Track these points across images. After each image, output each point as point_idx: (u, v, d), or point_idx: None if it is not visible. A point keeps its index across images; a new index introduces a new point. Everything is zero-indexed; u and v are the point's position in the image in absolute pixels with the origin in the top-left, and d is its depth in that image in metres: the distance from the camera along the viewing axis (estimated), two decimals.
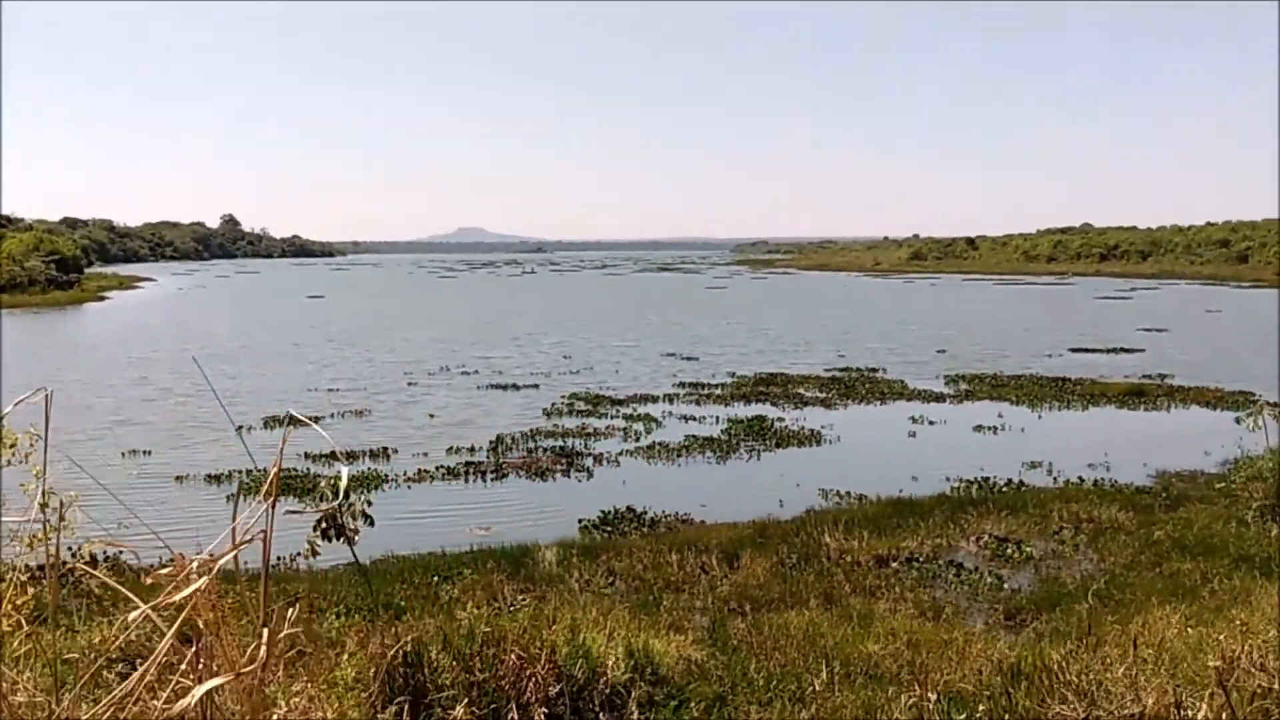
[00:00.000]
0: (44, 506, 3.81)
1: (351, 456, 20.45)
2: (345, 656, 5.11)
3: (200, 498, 17.37)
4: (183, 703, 3.42)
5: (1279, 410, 15.60)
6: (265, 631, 3.66)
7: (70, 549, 4.31)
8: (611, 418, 24.99)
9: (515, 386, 30.83)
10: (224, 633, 3.83)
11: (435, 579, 11.74)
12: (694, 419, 24.87)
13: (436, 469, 19.31)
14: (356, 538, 8.27)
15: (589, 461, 19.96)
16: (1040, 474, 18.35)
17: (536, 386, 30.80)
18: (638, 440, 22.11)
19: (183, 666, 3.84)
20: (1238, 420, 14.48)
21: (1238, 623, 6.57)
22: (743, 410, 26.04)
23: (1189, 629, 8.06)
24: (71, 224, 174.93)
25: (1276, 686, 6.02)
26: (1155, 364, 35.64)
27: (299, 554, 7.61)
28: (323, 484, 8.11)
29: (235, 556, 3.84)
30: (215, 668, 4.01)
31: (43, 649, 4.14)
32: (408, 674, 7.56)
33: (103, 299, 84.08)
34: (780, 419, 24.48)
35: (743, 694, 7.80)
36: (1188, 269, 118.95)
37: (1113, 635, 8.11)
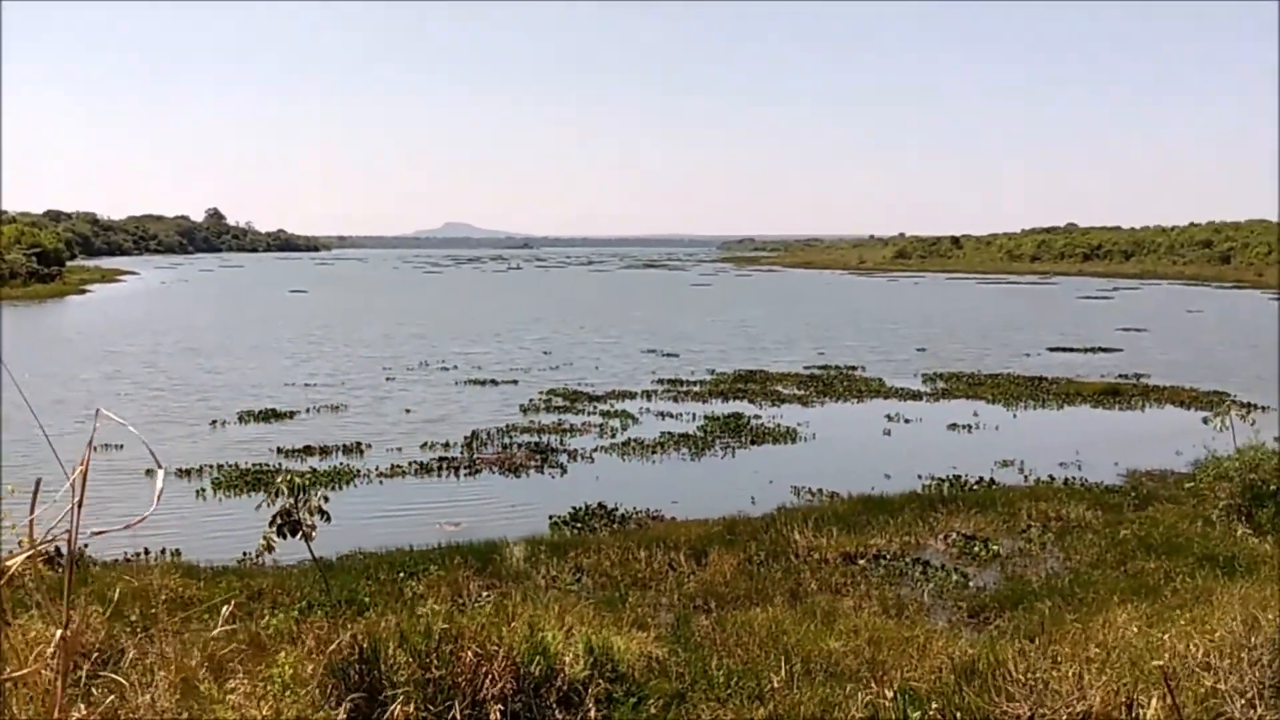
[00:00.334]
0: None
1: (324, 452, 20.37)
2: (280, 654, 5.05)
3: (170, 493, 17.24)
4: None
5: (1247, 411, 15.64)
6: (59, 634, 3.57)
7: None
8: (589, 414, 24.97)
9: (494, 382, 30.77)
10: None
11: (401, 575, 11.71)
12: (671, 416, 24.87)
13: (409, 465, 19.24)
14: (314, 534, 8.23)
15: (563, 458, 19.93)
16: (1012, 472, 18.42)
17: (515, 383, 30.74)
18: (613, 437, 22.09)
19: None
20: (1205, 421, 14.52)
21: (1182, 623, 6.60)
22: (720, 407, 26.05)
23: (1148, 628, 8.09)
24: (55, 217, 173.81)
25: (1223, 686, 6.05)
26: (1133, 364, 35.79)
27: (256, 551, 7.56)
28: (278, 481, 8.08)
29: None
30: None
31: None
32: (363, 671, 7.52)
33: (84, 292, 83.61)
34: (757, 416, 24.50)
35: (702, 691, 7.80)
36: (1170, 269, 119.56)
37: (1072, 633, 8.14)
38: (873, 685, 7.61)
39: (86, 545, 13.36)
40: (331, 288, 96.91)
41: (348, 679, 7.46)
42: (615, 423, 23.61)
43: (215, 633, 4.09)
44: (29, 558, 3.39)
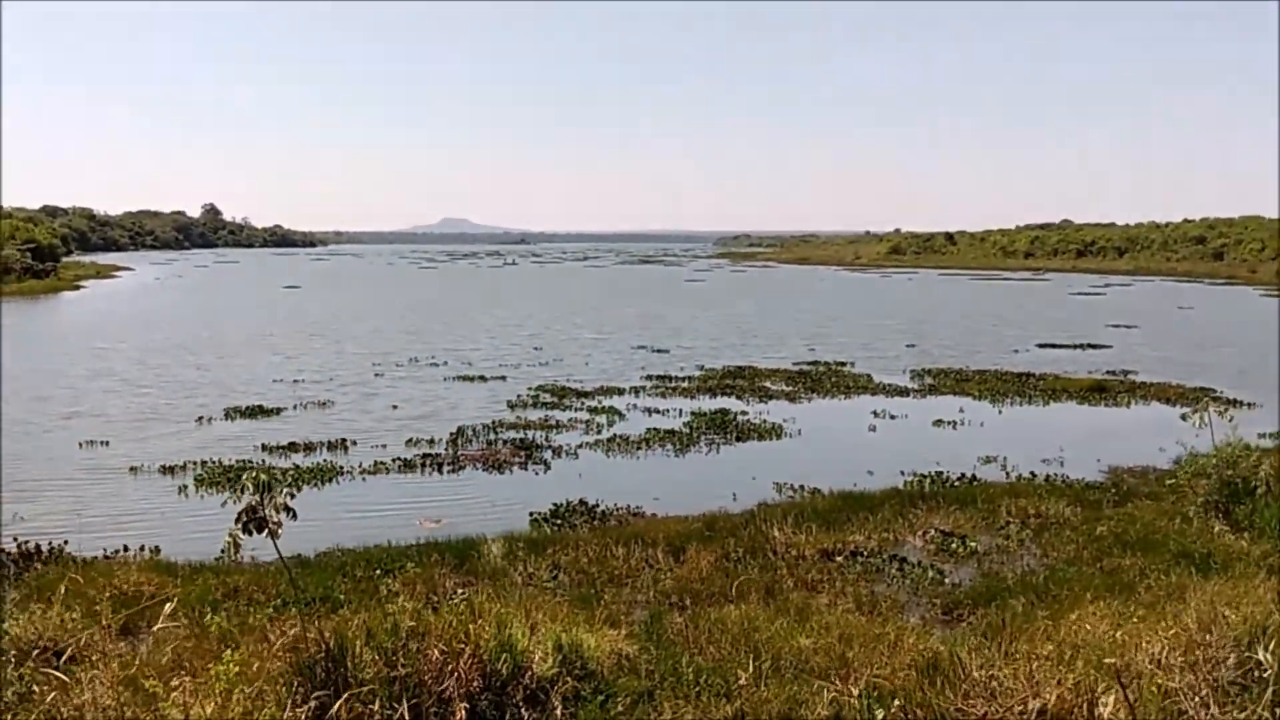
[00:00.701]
0: None
1: (309, 448, 20.36)
2: (227, 653, 5.05)
3: (153, 490, 17.25)
4: None
5: (1226, 407, 15.66)
6: None
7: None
8: (575, 410, 24.97)
9: (482, 378, 30.76)
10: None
11: (377, 572, 11.68)
12: (658, 412, 24.88)
13: (393, 461, 19.24)
14: (280, 531, 8.21)
15: (547, 454, 19.93)
16: (994, 469, 18.44)
17: (504, 379, 30.73)
18: (599, 433, 22.09)
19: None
20: (1183, 417, 14.54)
21: (1135, 620, 6.61)
22: (707, 403, 26.06)
23: (1117, 625, 8.10)
24: (51, 212, 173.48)
25: (1177, 684, 6.06)
26: (1122, 360, 35.84)
27: (221, 549, 7.55)
28: (244, 478, 8.08)
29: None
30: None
31: None
32: (329, 668, 7.53)
33: (79, 288, 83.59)
34: (743, 412, 24.51)
35: (670, 689, 7.79)
36: (1163, 266, 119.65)
37: (1033, 631, 8.16)
38: (838, 683, 7.62)
39: (66, 542, 13.37)
40: (325, 284, 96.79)
41: (314, 677, 7.47)
42: (602, 419, 23.62)
43: (156, 628, 4.08)
44: None
